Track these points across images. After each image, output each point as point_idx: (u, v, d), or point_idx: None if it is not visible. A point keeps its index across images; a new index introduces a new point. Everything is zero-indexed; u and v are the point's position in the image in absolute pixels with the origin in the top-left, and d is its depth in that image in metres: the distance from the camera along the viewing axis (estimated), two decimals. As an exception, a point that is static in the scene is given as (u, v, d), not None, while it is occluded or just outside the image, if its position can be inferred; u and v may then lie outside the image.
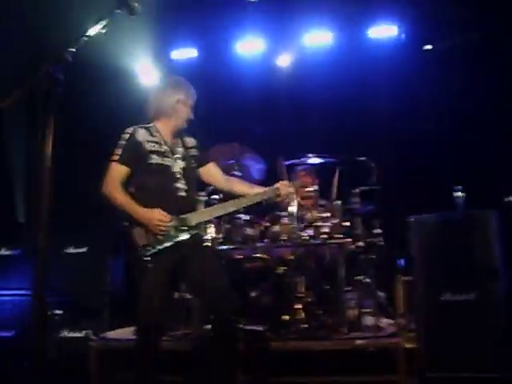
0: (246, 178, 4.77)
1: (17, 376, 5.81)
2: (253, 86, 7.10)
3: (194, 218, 3.61)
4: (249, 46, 7.45)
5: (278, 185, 3.85)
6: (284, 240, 4.85)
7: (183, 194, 3.65)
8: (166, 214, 3.50)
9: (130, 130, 3.71)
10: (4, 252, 6.44)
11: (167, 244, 3.51)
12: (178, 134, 3.87)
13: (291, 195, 4.07)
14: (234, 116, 7.05)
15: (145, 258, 3.47)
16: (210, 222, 4.83)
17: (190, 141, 3.93)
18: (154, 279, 3.46)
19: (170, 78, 4.01)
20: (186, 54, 7.76)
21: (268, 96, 7.19)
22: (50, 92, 2.21)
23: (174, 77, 4.02)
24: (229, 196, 3.96)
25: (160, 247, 3.49)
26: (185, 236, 3.56)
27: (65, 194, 4.98)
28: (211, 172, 3.95)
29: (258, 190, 3.87)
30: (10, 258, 6.40)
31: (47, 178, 2.18)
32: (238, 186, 3.92)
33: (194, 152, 3.88)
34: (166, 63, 7.62)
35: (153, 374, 3.55)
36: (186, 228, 3.57)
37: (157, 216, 3.47)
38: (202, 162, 3.91)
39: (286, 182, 3.91)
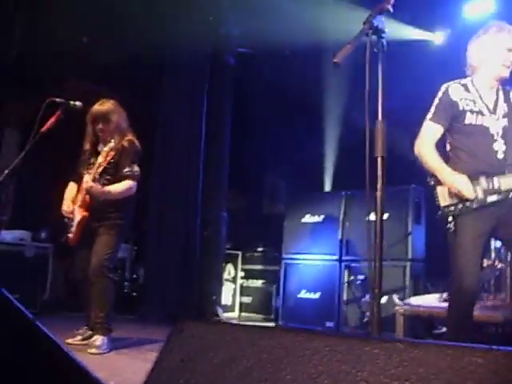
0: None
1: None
2: None
3: (505, 183, 3.28)
4: None
5: None
6: None
7: (501, 156, 3.34)
8: (470, 185, 3.26)
9: (444, 87, 3.49)
10: (309, 219, 6.77)
11: (473, 206, 3.28)
12: (503, 88, 3.50)
13: None
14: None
15: (447, 219, 3.32)
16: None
17: None
18: (466, 242, 3.27)
19: (488, 24, 3.57)
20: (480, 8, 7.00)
21: None
22: (377, 44, 2.19)
23: (492, 21, 3.59)
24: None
25: (463, 208, 3.29)
26: (492, 199, 3.28)
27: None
28: None
29: None
30: (315, 224, 6.71)
31: (381, 135, 2.15)
32: None
33: None
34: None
35: (467, 341, 3.39)
36: (494, 191, 3.29)
37: (458, 186, 3.26)
38: None
39: None
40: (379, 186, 2.23)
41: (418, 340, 1.23)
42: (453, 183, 3.30)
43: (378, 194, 2.22)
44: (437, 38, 7.22)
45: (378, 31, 2.35)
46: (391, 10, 2.55)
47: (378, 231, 2.17)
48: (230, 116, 7.54)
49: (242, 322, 7.25)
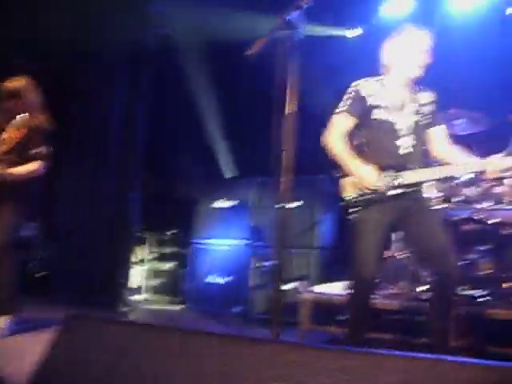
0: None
1: (226, 320, 6.19)
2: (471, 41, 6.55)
3: (405, 177, 3.42)
4: None
5: (487, 160, 3.39)
6: (508, 202, 4.53)
7: (405, 151, 3.48)
8: (374, 174, 3.39)
9: (355, 82, 3.62)
10: (220, 204, 6.83)
11: (374, 198, 3.42)
12: (414, 88, 3.64)
13: (500, 172, 3.42)
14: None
15: (350, 210, 3.46)
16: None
17: (428, 96, 3.66)
18: (366, 233, 3.42)
19: (401, 26, 3.69)
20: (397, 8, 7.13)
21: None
22: (291, 39, 2.23)
23: (406, 23, 3.71)
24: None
25: (366, 200, 3.43)
26: (393, 192, 3.42)
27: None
28: (436, 135, 3.66)
29: (469, 160, 3.48)
30: (227, 209, 6.78)
31: (290, 128, 2.20)
32: (451, 158, 3.57)
33: (428, 108, 3.63)
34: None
35: (364, 330, 3.54)
36: (396, 185, 3.42)
37: (363, 175, 3.39)
38: (433, 121, 3.65)
39: (496, 157, 3.39)
40: (285, 178, 2.30)
41: (297, 342, 1.29)
42: (357, 173, 3.41)
43: (284, 186, 2.28)
44: (353, 34, 7.40)
45: (293, 26, 2.40)
46: (308, 4, 2.60)
47: (282, 223, 2.23)
48: (147, 99, 7.45)
49: (150, 306, 7.25)
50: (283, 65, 2.33)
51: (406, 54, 3.54)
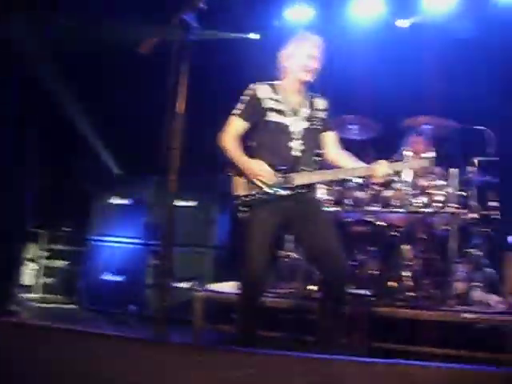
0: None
1: (121, 319, 6.10)
2: (368, 48, 6.81)
3: (297, 179, 3.54)
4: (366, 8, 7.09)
5: (375, 165, 3.58)
6: (395, 206, 4.74)
7: (297, 153, 3.59)
8: (266, 168, 3.49)
9: (252, 85, 3.69)
10: (117, 201, 6.74)
11: (264, 197, 3.50)
12: (308, 93, 3.77)
13: (387, 176, 3.69)
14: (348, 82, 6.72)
15: (240, 208, 3.53)
16: (320, 184, 4.74)
17: (321, 103, 3.80)
18: (256, 232, 3.49)
19: (296, 34, 3.81)
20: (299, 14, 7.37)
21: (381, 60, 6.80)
22: (184, 39, 2.24)
23: (300, 31, 3.85)
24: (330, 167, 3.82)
25: (257, 200, 3.50)
26: (283, 192, 3.52)
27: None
28: (327, 140, 3.81)
29: (358, 165, 3.68)
30: (123, 207, 6.70)
31: (179, 128, 2.22)
32: (341, 162, 3.73)
33: (321, 114, 3.76)
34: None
35: (254, 328, 3.60)
36: (287, 186, 3.52)
37: (258, 168, 3.48)
38: (325, 127, 3.79)
39: (383, 163, 3.58)
40: (173, 177, 2.31)
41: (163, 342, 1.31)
42: (250, 169, 3.49)
43: (172, 184, 2.30)
44: (253, 37, 7.50)
45: (187, 26, 2.41)
46: (203, 6, 2.62)
47: (170, 222, 2.25)
48: (43, 91, 7.22)
49: (43, 305, 7.04)
50: (175, 65, 2.34)
51: (298, 58, 3.65)
